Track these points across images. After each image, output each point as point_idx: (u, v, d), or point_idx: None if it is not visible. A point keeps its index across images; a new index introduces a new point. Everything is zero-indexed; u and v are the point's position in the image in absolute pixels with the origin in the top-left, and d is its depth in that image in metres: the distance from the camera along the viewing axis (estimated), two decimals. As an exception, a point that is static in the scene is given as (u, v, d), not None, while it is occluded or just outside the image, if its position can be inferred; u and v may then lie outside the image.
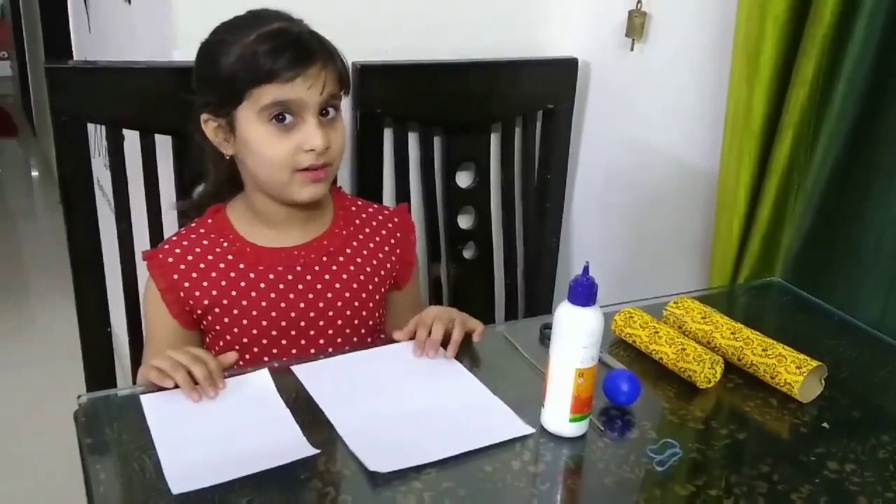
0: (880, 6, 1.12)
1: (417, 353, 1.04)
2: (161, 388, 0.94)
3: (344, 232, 1.18)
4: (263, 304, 1.11)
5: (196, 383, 0.93)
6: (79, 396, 0.93)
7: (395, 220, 1.23)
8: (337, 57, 1.08)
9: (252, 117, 1.04)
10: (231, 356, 1.00)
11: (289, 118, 1.04)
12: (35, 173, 4.31)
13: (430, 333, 1.04)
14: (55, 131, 1.25)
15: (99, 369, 1.35)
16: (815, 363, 0.99)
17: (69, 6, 2.43)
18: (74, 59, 2.43)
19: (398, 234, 1.22)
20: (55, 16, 2.84)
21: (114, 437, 0.88)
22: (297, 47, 1.03)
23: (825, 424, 0.96)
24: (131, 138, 1.32)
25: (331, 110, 1.08)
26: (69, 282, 1.30)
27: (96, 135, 1.74)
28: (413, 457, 0.85)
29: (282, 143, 1.04)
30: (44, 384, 2.21)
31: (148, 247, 1.30)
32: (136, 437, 0.87)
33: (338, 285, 1.15)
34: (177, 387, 0.93)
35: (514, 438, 0.90)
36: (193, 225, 1.16)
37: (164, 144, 1.32)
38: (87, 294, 1.32)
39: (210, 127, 1.09)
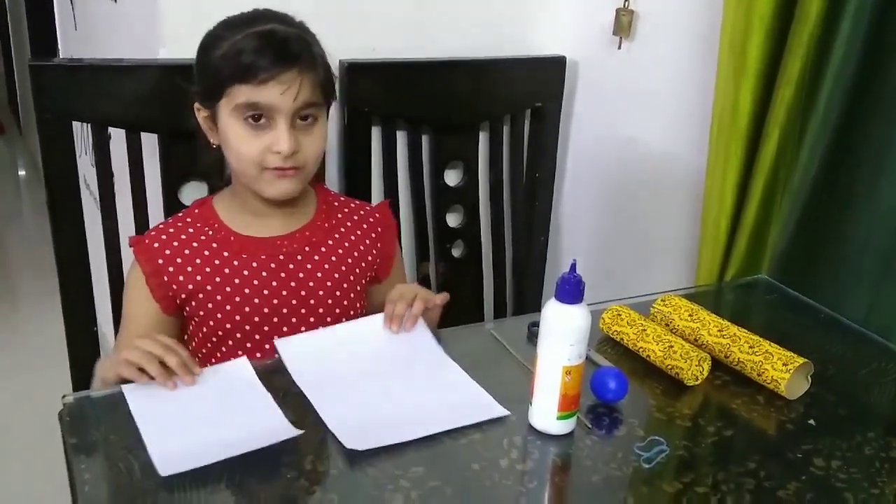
0: (865, 6, 1.12)
1: (387, 324, 1.07)
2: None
3: (326, 225, 1.20)
4: (246, 290, 1.13)
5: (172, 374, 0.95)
6: (63, 396, 0.92)
7: (376, 215, 1.26)
8: (319, 65, 1.08)
9: (227, 113, 1.07)
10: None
11: (262, 119, 1.06)
12: (22, 172, 4.27)
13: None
14: (40, 129, 1.24)
15: (86, 369, 1.34)
16: (801, 360, 1.00)
17: (55, 3, 2.41)
18: (60, 56, 2.41)
19: (378, 229, 1.24)
20: (41, 13, 2.82)
21: (99, 437, 0.88)
22: (277, 50, 1.04)
23: (811, 421, 0.97)
24: (117, 136, 1.31)
25: (309, 117, 1.08)
26: (56, 281, 1.30)
27: (82, 133, 1.73)
28: (390, 435, 0.86)
29: (253, 142, 1.07)
30: (30, 384, 2.20)
31: (134, 245, 1.29)
32: (122, 436, 0.87)
33: (319, 275, 1.17)
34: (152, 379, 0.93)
35: (502, 436, 0.90)
36: (180, 214, 1.18)
37: (150, 142, 1.31)
38: (74, 293, 1.31)
39: (201, 115, 1.12)
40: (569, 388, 0.88)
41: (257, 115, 1.05)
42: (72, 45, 2.27)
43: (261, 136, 1.06)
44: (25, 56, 3.56)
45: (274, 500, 0.80)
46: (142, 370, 0.94)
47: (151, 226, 1.31)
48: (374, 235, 1.23)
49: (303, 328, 1.15)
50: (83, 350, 1.34)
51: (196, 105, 1.12)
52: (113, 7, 1.68)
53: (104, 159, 1.30)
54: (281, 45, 1.04)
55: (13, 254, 3.33)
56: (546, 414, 0.90)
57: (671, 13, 1.44)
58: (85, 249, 1.30)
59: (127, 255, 1.29)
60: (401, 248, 1.35)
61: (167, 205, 1.34)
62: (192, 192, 1.37)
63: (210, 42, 1.09)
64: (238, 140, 1.07)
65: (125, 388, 0.93)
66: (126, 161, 1.30)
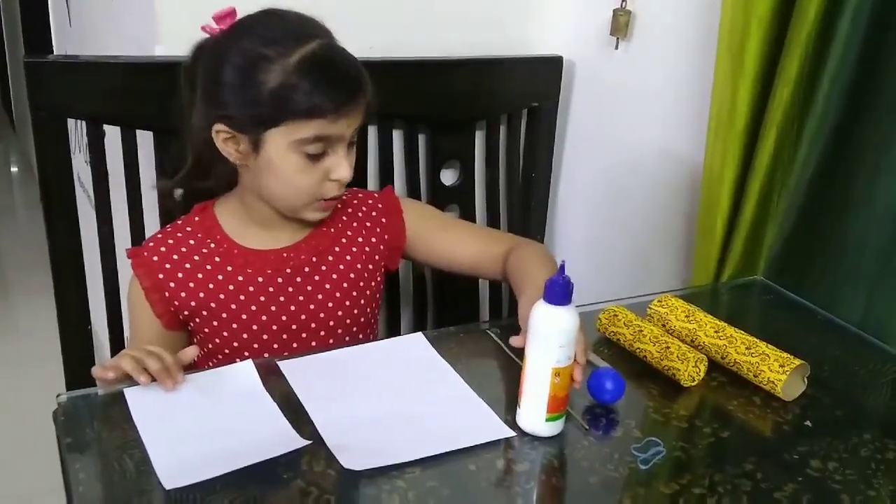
0: (864, 6, 1.12)
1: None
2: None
3: (332, 230, 1.16)
4: (253, 307, 1.10)
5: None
6: (58, 395, 0.92)
7: (380, 205, 1.22)
8: (370, 87, 1.05)
9: (284, 144, 1.01)
10: (190, 350, 0.98)
11: (321, 150, 1.03)
12: (14, 169, 4.26)
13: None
14: (35, 127, 1.23)
15: (79, 368, 1.33)
16: (798, 362, 1.00)
17: (49, 0, 2.40)
18: (54, 53, 2.40)
19: (384, 220, 1.21)
20: (35, 9, 2.80)
21: (94, 437, 0.87)
22: (345, 84, 1.01)
23: (808, 423, 0.96)
24: (112, 134, 1.30)
25: (354, 139, 1.07)
26: (49, 280, 1.29)
27: (77, 130, 1.73)
28: (389, 456, 0.84)
29: (310, 174, 1.03)
30: (24, 383, 2.19)
31: (129, 243, 1.28)
32: (116, 436, 0.86)
33: (328, 286, 1.14)
34: (128, 378, 0.92)
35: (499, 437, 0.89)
36: (179, 222, 1.13)
37: (145, 140, 1.31)
38: (68, 292, 1.30)
39: (221, 137, 1.03)
40: (558, 389, 0.88)
41: (319, 148, 1.02)
42: (66, 41, 2.26)
43: (318, 167, 1.03)
44: (19, 52, 3.54)
45: (271, 500, 0.80)
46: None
47: (147, 224, 1.31)
48: (379, 229, 1.20)
49: (313, 343, 1.13)
50: (77, 349, 1.33)
51: (219, 127, 1.02)
52: (108, 3, 1.67)
53: (99, 157, 1.29)
54: (346, 79, 1.01)
55: (5, 251, 3.31)
56: (535, 416, 0.89)
57: (669, 13, 1.44)
58: (79, 248, 1.29)
59: (122, 253, 1.29)
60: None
61: (162, 202, 1.33)
62: (187, 191, 1.36)
63: (248, 61, 0.99)
64: (293, 172, 1.02)
65: (127, 392, 0.92)
66: (121, 158, 1.30)
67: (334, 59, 1.02)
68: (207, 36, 1.06)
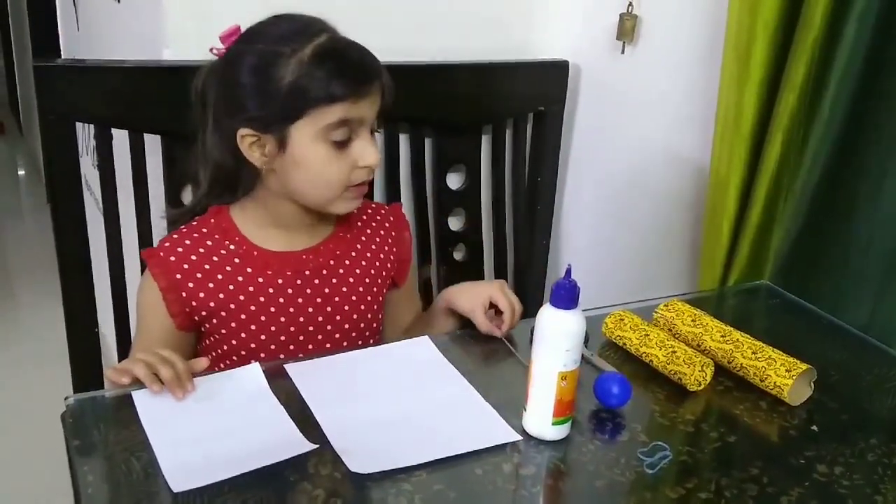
0: (870, 11, 1.13)
1: (492, 331, 1.10)
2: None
3: (348, 235, 1.17)
4: (272, 309, 1.10)
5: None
6: (66, 398, 0.92)
7: (391, 218, 1.23)
8: (384, 71, 1.07)
9: (310, 136, 1.01)
10: (203, 361, 0.98)
11: (347, 136, 1.03)
12: (22, 172, 4.27)
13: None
14: (43, 130, 1.24)
15: (86, 371, 1.34)
16: (804, 366, 1.00)
17: (57, 3, 2.41)
18: (63, 57, 2.41)
19: (393, 234, 1.22)
20: (43, 13, 2.81)
21: (101, 439, 0.87)
22: (361, 66, 1.03)
23: (814, 427, 0.96)
24: (120, 137, 1.31)
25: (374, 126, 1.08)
26: (56, 282, 1.29)
27: (84, 134, 1.73)
28: (395, 459, 0.84)
29: (339, 162, 1.04)
30: (31, 386, 2.20)
31: (137, 246, 1.29)
32: (124, 438, 0.86)
33: (345, 289, 1.14)
34: (137, 383, 0.92)
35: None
36: (194, 223, 1.13)
37: (153, 144, 1.31)
38: (75, 295, 1.31)
39: (247, 142, 1.03)
40: (564, 393, 0.88)
41: (345, 133, 1.02)
42: (74, 45, 2.27)
43: (345, 154, 1.03)
44: (27, 56, 3.56)
45: (277, 503, 0.80)
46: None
47: (154, 228, 1.31)
48: (390, 240, 1.21)
49: (328, 345, 1.13)
50: (84, 351, 1.33)
51: (244, 132, 1.02)
52: (116, 7, 1.68)
53: (107, 160, 1.30)
54: (361, 61, 1.03)
55: (12, 253, 3.32)
56: (541, 420, 0.89)
57: (675, 18, 1.45)
58: (87, 251, 1.30)
59: (129, 257, 1.29)
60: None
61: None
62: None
63: (264, 61, 1.00)
64: (322, 163, 1.03)
65: (135, 395, 0.92)
66: (128, 162, 1.30)
67: (346, 47, 1.04)
68: (215, 58, 1.06)
